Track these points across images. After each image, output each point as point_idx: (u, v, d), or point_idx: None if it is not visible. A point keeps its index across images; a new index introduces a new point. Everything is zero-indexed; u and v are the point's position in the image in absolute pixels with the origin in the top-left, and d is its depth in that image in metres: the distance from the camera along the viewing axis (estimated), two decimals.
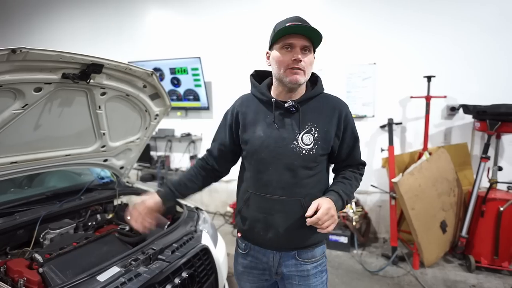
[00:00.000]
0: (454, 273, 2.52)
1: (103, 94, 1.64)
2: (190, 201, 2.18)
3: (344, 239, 2.92)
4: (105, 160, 2.06)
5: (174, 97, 3.86)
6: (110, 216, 1.95)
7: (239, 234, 1.18)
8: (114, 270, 1.26)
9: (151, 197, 1.13)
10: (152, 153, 4.15)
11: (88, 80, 1.45)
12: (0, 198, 1.69)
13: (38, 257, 1.32)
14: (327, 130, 1.03)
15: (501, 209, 2.43)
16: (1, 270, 1.27)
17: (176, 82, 3.82)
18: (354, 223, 2.89)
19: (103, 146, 1.93)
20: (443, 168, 2.68)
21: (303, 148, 1.01)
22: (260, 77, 1.16)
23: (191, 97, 3.81)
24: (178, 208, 2.13)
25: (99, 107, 1.69)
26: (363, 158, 1.16)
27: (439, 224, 2.63)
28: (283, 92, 1.06)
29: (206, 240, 1.69)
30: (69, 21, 4.52)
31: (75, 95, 1.55)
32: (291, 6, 3.28)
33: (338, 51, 3.18)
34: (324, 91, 1.11)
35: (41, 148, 1.65)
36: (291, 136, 1.02)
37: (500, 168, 2.60)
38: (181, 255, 1.47)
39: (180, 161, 4.07)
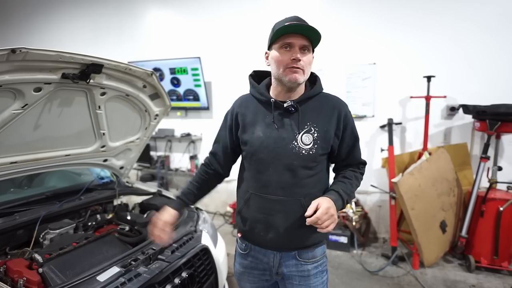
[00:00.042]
0: (454, 273, 2.53)
1: (103, 94, 1.64)
2: None
3: (344, 239, 2.92)
4: (105, 160, 2.06)
5: (174, 97, 3.86)
6: (110, 216, 1.95)
7: (239, 235, 1.18)
8: (114, 270, 1.26)
9: (166, 212, 1.16)
10: (152, 153, 4.15)
11: (88, 80, 1.45)
12: (0, 198, 1.69)
13: (38, 257, 1.32)
14: (326, 130, 1.03)
15: (501, 209, 2.43)
16: (1, 270, 1.27)
17: (176, 82, 3.82)
18: (354, 223, 2.89)
19: (103, 146, 1.93)
20: (443, 168, 2.68)
21: (303, 148, 1.01)
22: (259, 77, 1.16)
23: (191, 97, 3.81)
24: None
25: (99, 107, 1.69)
26: (363, 158, 1.16)
27: (439, 224, 2.64)
28: (282, 92, 1.06)
29: (206, 240, 1.69)
30: (69, 21, 4.52)
31: (74, 95, 1.55)
32: (291, 6, 3.28)
33: (338, 51, 3.18)
34: (324, 91, 1.11)
35: (41, 148, 1.65)
36: (291, 136, 1.02)
37: (499, 168, 2.60)
38: (181, 255, 1.47)
39: (180, 161, 4.07)
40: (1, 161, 1.49)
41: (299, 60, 0.97)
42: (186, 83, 3.76)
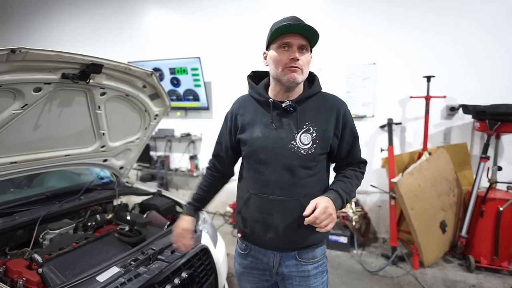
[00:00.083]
0: (454, 273, 2.53)
1: (102, 94, 1.64)
2: None
3: (343, 239, 2.92)
4: (105, 160, 2.06)
5: (174, 97, 3.86)
6: (110, 216, 1.95)
7: (239, 235, 1.18)
8: (114, 270, 1.26)
9: (182, 220, 1.22)
10: (152, 153, 4.15)
11: (87, 80, 1.45)
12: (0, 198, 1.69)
13: (38, 257, 1.32)
14: (325, 129, 1.03)
15: (501, 209, 2.43)
16: (1, 270, 1.27)
17: (175, 82, 3.82)
18: (353, 223, 2.89)
19: (103, 146, 1.93)
20: (442, 168, 2.68)
21: (301, 148, 1.01)
22: (257, 78, 1.16)
23: (191, 97, 3.81)
24: (178, 208, 2.14)
25: (99, 107, 1.69)
26: (363, 157, 1.15)
27: (439, 224, 2.64)
28: (280, 92, 1.06)
29: (205, 240, 1.69)
30: (69, 21, 4.51)
31: (74, 95, 1.55)
32: (291, 6, 3.28)
33: (337, 51, 3.18)
34: (322, 90, 1.11)
35: (41, 148, 1.65)
36: (289, 136, 1.02)
37: (499, 168, 2.60)
38: (180, 255, 1.47)
39: (180, 161, 4.07)
40: (1, 161, 1.48)
41: (298, 60, 0.97)
42: (186, 83, 3.76)
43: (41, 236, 1.58)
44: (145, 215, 1.96)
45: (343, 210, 2.95)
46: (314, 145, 1.01)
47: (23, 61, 1.19)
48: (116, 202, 2.09)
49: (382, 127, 3.11)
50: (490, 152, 2.60)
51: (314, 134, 1.02)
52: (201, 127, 3.95)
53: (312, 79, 1.11)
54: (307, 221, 0.93)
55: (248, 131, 1.08)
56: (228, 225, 3.60)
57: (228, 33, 3.61)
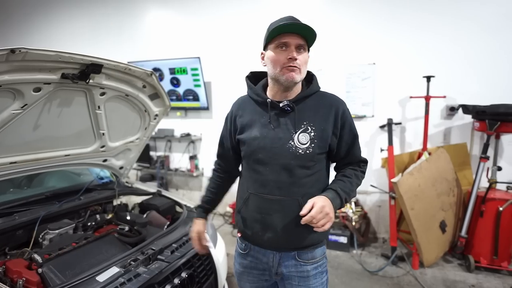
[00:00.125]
0: (454, 273, 2.53)
1: (102, 94, 1.64)
2: (190, 201, 2.18)
3: (343, 239, 2.92)
4: (105, 160, 2.06)
5: (174, 97, 3.85)
6: (110, 216, 1.95)
7: (239, 234, 1.19)
8: (114, 270, 1.26)
9: (195, 224, 1.27)
10: (152, 153, 4.15)
11: (87, 80, 1.45)
12: None
13: (37, 257, 1.32)
14: (323, 129, 1.02)
15: (501, 209, 2.43)
16: (0, 270, 1.27)
17: (175, 82, 3.82)
18: (353, 223, 2.89)
19: (103, 146, 1.93)
20: (442, 168, 2.68)
21: (299, 148, 1.01)
22: (256, 78, 1.17)
23: (191, 97, 3.81)
24: (178, 208, 2.14)
25: (99, 107, 1.69)
26: (363, 157, 1.15)
27: (439, 224, 2.64)
28: (278, 92, 1.06)
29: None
30: (69, 21, 4.51)
31: (74, 95, 1.55)
32: (291, 6, 3.28)
33: (337, 51, 3.18)
34: (321, 89, 1.10)
35: (41, 148, 1.65)
36: (287, 136, 1.02)
37: (499, 168, 2.60)
38: (180, 255, 1.47)
39: (180, 161, 4.07)
40: (0, 161, 1.48)
41: (296, 59, 0.97)
42: (186, 83, 3.76)
43: (40, 236, 1.58)
44: (145, 215, 1.96)
45: (343, 210, 2.95)
46: (312, 145, 1.01)
47: (22, 61, 1.19)
48: (116, 202, 2.09)
49: (382, 127, 3.11)
50: (490, 152, 2.60)
51: (312, 134, 1.02)
52: (201, 127, 3.95)
53: (310, 78, 1.11)
54: (303, 220, 0.93)
55: (247, 131, 1.09)
56: (228, 225, 3.60)
57: (228, 33, 3.61)
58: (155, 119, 2.03)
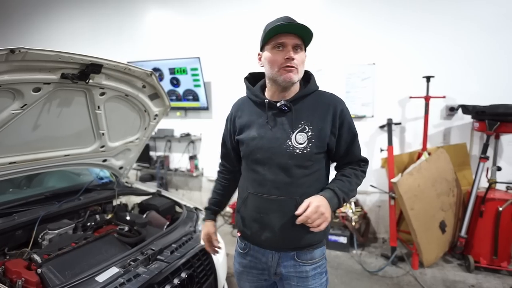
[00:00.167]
0: (453, 273, 2.53)
1: (102, 94, 1.64)
2: (189, 201, 2.18)
3: (343, 239, 2.92)
4: (104, 160, 2.06)
5: (174, 97, 3.85)
6: (109, 216, 1.95)
7: (238, 234, 1.19)
8: (113, 270, 1.26)
9: (205, 226, 1.30)
10: (152, 153, 4.15)
11: (87, 80, 1.45)
12: None
13: (37, 257, 1.32)
14: (321, 128, 1.02)
15: (500, 209, 2.43)
16: (0, 271, 1.27)
17: (175, 82, 3.82)
18: (353, 223, 2.89)
19: (102, 146, 1.92)
20: (442, 168, 2.68)
21: (297, 147, 1.01)
22: (254, 79, 1.17)
23: (191, 97, 3.81)
24: (178, 208, 2.14)
25: (98, 107, 1.69)
26: (363, 156, 1.14)
27: (438, 224, 2.64)
28: (276, 92, 1.06)
29: None
30: (69, 21, 4.51)
31: (74, 95, 1.55)
32: (290, 6, 3.28)
33: (337, 51, 3.18)
34: (320, 89, 1.10)
35: (40, 148, 1.65)
36: (284, 136, 1.02)
37: (499, 168, 2.60)
38: (180, 255, 1.47)
39: (180, 161, 4.07)
40: (0, 161, 1.48)
41: (293, 59, 0.97)
42: (186, 83, 3.76)
43: (40, 236, 1.58)
44: (144, 215, 1.96)
45: (343, 210, 2.96)
46: (310, 144, 1.01)
47: (22, 61, 1.19)
48: (115, 202, 2.09)
49: (381, 127, 3.11)
50: (490, 152, 2.61)
51: (310, 133, 1.01)
52: (201, 127, 3.95)
53: (308, 78, 1.11)
54: (298, 220, 0.93)
55: (245, 132, 1.09)
56: (228, 225, 3.60)
57: (228, 33, 3.61)
58: (154, 119, 2.03)
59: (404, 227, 2.83)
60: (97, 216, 1.89)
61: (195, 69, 3.62)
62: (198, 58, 3.55)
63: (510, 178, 2.67)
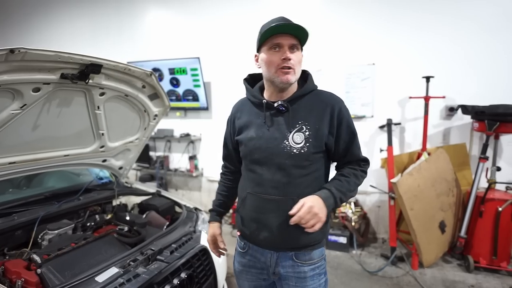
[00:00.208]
0: (453, 273, 2.53)
1: (102, 94, 1.64)
2: (189, 201, 2.18)
3: (343, 240, 2.92)
4: (104, 161, 2.06)
5: (173, 97, 3.85)
6: (109, 216, 1.95)
7: (238, 233, 1.20)
8: (113, 270, 1.26)
9: (211, 228, 1.28)
10: (151, 153, 4.15)
11: (86, 80, 1.45)
12: None
13: (36, 258, 1.32)
14: (318, 128, 1.02)
15: (500, 209, 2.43)
16: None
17: (175, 83, 3.82)
18: (353, 224, 2.89)
19: (102, 147, 1.92)
20: (442, 169, 2.68)
21: (294, 147, 1.01)
22: (254, 80, 1.18)
23: (190, 98, 3.81)
24: (177, 209, 2.14)
25: (98, 107, 1.69)
26: (363, 155, 1.13)
27: (438, 225, 2.64)
28: (274, 93, 1.06)
29: (205, 240, 1.69)
30: (69, 21, 4.51)
31: (73, 95, 1.55)
32: (290, 6, 3.28)
33: (337, 51, 3.18)
34: (318, 88, 1.10)
35: (40, 149, 1.64)
36: (282, 136, 1.02)
37: (498, 169, 2.60)
38: (180, 255, 1.47)
39: (179, 161, 4.07)
40: (0, 161, 1.48)
41: (290, 59, 0.98)
42: (186, 83, 3.76)
43: (40, 237, 1.58)
44: (144, 216, 1.96)
45: (342, 210, 2.96)
46: (307, 144, 1.01)
47: (22, 61, 1.19)
48: (115, 202, 2.09)
49: (381, 127, 3.11)
50: (489, 153, 2.61)
51: (307, 133, 1.01)
52: (201, 127, 3.95)
53: (305, 77, 1.11)
54: (291, 221, 0.94)
55: (244, 132, 1.10)
56: (228, 225, 3.60)
57: (228, 33, 3.61)
58: (154, 119, 2.03)
59: (404, 227, 2.83)
60: (97, 216, 1.89)
61: (195, 69, 3.62)
62: (198, 58, 3.55)
63: (510, 178, 2.67)
